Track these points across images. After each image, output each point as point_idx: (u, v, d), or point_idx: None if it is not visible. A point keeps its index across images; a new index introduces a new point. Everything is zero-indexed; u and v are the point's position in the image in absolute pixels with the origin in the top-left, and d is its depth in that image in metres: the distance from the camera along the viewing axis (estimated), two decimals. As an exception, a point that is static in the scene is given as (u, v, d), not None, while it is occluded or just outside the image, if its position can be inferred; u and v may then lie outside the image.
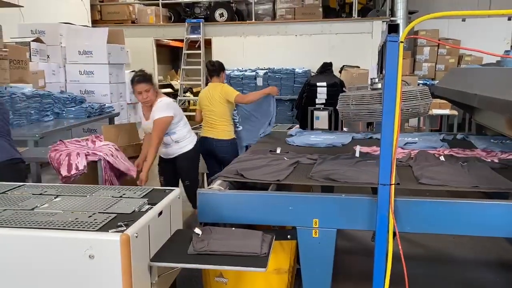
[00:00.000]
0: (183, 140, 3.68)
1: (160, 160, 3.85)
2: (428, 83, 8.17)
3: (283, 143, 3.71)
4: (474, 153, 3.14)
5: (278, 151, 3.21)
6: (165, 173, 3.86)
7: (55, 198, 2.18)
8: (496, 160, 2.90)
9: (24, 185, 2.44)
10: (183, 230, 2.28)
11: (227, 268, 1.98)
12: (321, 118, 6.83)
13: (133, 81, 3.48)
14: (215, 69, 4.29)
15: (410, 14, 9.00)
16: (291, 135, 4.01)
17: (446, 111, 6.95)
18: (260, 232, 2.09)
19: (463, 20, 9.55)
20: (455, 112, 6.90)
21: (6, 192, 2.28)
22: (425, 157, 2.96)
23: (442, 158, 2.98)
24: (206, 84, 4.69)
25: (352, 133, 4.17)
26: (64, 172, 3.11)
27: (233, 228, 2.17)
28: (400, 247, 2.04)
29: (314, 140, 3.77)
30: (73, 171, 3.10)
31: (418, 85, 6.47)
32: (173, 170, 3.78)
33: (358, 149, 3.10)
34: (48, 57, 6.03)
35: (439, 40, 9.17)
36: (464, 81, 3.65)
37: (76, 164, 3.12)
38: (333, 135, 4.10)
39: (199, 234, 2.04)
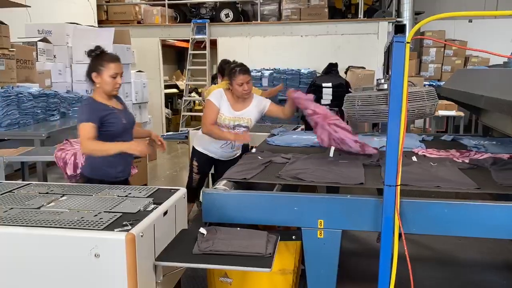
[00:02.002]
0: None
1: (208, 160, 3.61)
2: (434, 84, 8.13)
3: (263, 142, 3.74)
4: (448, 154, 3.15)
5: (254, 150, 3.23)
6: (205, 173, 3.76)
7: (61, 197, 2.19)
8: (467, 161, 2.92)
9: (30, 184, 2.46)
10: (188, 230, 2.29)
11: (232, 268, 1.98)
12: (327, 118, 6.81)
13: (236, 72, 3.36)
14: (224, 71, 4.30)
15: (417, 15, 8.97)
16: (273, 135, 4.03)
17: (452, 113, 6.92)
18: (265, 232, 2.09)
19: (470, 21, 9.51)
20: (461, 114, 6.86)
21: (13, 191, 2.30)
22: None
23: (414, 158, 3.00)
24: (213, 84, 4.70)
25: None
26: (70, 171, 3.13)
27: (238, 228, 2.17)
28: (405, 248, 2.04)
29: (294, 139, 3.78)
30: (79, 170, 3.11)
31: (424, 86, 6.45)
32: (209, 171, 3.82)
33: (332, 149, 3.11)
34: (54, 57, 6.06)
35: (445, 41, 9.14)
36: (471, 82, 3.63)
37: (82, 163, 3.13)
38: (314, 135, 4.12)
39: (204, 234, 2.04)
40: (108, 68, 2.56)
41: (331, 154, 3.04)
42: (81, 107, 2.73)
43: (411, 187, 2.36)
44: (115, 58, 2.62)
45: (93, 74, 2.58)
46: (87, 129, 2.48)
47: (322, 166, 2.70)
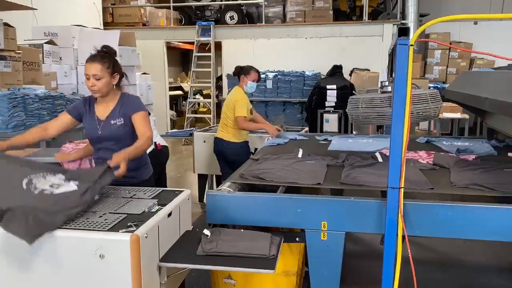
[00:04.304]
0: None
1: None
2: (439, 86, 8.11)
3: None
4: (416, 155, 3.18)
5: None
6: None
7: (66, 198, 2.20)
8: (431, 162, 2.95)
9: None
10: (192, 231, 2.29)
11: (236, 270, 1.98)
12: (331, 121, 6.83)
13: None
14: (235, 74, 4.30)
15: (422, 17, 8.95)
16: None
17: (457, 115, 6.90)
18: (268, 234, 2.09)
19: (475, 23, 9.48)
20: (466, 116, 6.84)
21: (19, 192, 2.31)
22: (360, 158, 3.00)
23: (380, 159, 3.04)
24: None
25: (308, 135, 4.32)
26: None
27: (242, 230, 2.18)
28: (409, 250, 2.03)
29: (270, 140, 3.90)
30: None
31: (429, 88, 6.44)
32: None
33: (301, 150, 3.15)
34: (60, 59, 6.10)
35: (450, 43, 9.10)
36: (475, 85, 3.62)
37: (86, 164, 3.15)
38: (292, 135, 4.23)
39: (208, 235, 2.05)
40: (84, 68, 2.46)
41: (300, 155, 3.08)
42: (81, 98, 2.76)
43: (367, 187, 2.43)
44: (88, 59, 2.46)
45: None
46: (59, 117, 2.62)
47: (287, 167, 2.75)
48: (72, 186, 1.99)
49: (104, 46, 2.52)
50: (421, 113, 2.65)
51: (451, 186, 2.42)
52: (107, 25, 9.46)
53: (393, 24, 8.29)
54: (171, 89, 10.49)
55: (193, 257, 1.94)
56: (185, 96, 10.92)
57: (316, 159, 2.99)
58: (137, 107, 2.55)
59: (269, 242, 2.00)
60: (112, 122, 2.50)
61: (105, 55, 2.48)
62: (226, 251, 1.94)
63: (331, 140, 3.92)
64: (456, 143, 3.63)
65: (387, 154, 3.22)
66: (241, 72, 4.26)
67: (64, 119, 2.57)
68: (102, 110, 2.54)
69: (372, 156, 3.09)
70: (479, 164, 2.84)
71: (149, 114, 2.66)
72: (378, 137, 4.00)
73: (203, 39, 9.20)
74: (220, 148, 4.23)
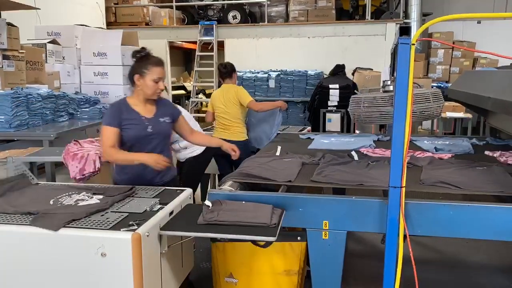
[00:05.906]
0: (191, 146, 3.65)
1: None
2: (442, 85, 8.09)
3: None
4: None
5: None
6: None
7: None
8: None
9: (38, 184, 2.49)
10: (193, 205, 2.30)
11: (236, 237, 1.96)
12: (333, 120, 6.82)
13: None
14: (227, 71, 4.34)
15: (425, 16, 8.93)
16: None
17: (460, 114, 6.88)
18: (270, 205, 2.11)
19: (479, 22, 9.45)
20: (469, 115, 6.82)
21: (21, 191, 2.33)
22: (336, 156, 3.01)
23: (356, 157, 3.04)
24: (219, 86, 4.72)
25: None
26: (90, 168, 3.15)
27: (244, 202, 2.19)
28: (410, 250, 2.03)
29: None
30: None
31: (432, 87, 6.42)
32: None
33: (279, 148, 3.16)
34: (63, 58, 6.11)
35: (453, 42, 9.08)
36: (478, 84, 3.61)
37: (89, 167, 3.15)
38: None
39: (209, 206, 2.06)
40: (152, 72, 2.52)
41: (278, 153, 3.10)
42: (109, 107, 2.71)
43: (336, 184, 2.46)
44: (160, 62, 2.57)
45: (136, 76, 2.57)
46: (107, 134, 2.47)
47: (263, 164, 2.77)
48: (95, 200, 2.13)
49: (144, 48, 2.64)
50: (423, 112, 2.64)
51: (419, 184, 2.43)
52: (110, 24, 9.48)
53: (396, 23, 8.26)
54: (174, 88, 10.50)
55: (194, 226, 1.94)
56: (188, 96, 10.94)
57: (293, 157, 3.01)
58: (179, 109, 2.86)
59: (271, 212, 2.01)
60: (161, 119, 2.64)
61: None
62: (227, 220, 1.94)
63: (313, 139, 3.93)
64: (437, 142, 3.63)
65: (364, 152, 3.24)
66: (230, 70, 4.33)
67: (115, 132, 2.49)
68: (145, 110, 2.63)
69: (348, 155, 3.10)
70: (452, 162, 2.86)
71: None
72: (360, 136, 4.00)
73: (205, 38, 9.20)
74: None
